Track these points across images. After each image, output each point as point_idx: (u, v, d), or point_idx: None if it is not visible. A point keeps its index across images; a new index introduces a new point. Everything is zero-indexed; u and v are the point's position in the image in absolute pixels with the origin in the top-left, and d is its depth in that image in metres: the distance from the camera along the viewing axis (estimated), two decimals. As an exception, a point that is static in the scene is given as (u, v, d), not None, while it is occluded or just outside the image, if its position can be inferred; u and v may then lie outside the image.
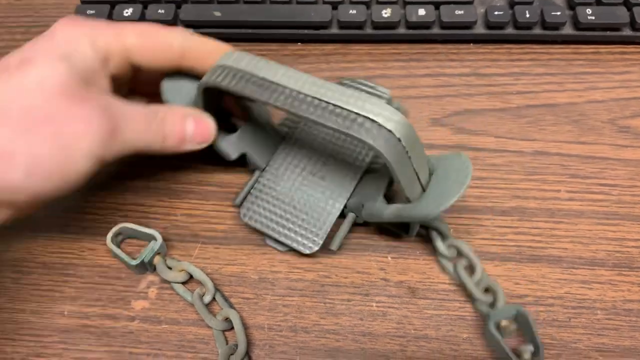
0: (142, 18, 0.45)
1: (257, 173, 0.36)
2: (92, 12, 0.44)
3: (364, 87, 0.38)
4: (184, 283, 0.33)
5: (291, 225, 0.34)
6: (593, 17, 0.43)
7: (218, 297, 0.33)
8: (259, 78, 0.30)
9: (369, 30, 0.44)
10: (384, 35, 0.44)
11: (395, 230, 0.35)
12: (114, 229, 0.34)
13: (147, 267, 0.33)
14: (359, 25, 0.44)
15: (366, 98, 0.29)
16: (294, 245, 0.33)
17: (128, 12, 0.44)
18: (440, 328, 0.32)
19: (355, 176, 0.35)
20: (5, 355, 0.32)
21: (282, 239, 0.33)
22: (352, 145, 0.36)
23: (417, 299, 0.33)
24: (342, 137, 0.37)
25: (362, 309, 0.33)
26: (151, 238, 0.34)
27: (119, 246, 0.34)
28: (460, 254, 0.33)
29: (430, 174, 0.32)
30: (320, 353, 0.31)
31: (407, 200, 0.31)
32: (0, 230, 0.29)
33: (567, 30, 0.43)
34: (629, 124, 0.40)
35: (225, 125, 0.35)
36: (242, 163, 0.36)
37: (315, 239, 0.33)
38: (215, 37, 0.43)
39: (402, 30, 0.44)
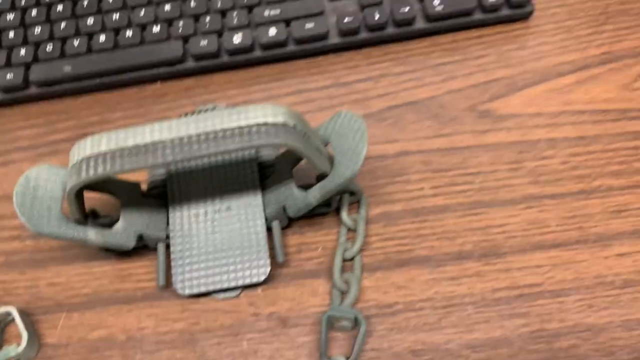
0: (-9, 86, 0.43)
1: (161, 246, 0.34)
2: (-62, 89, 0.43)
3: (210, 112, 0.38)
4: None
5: (231, 267, 0.33)
6: (442, 7, 0.43)
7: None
8: (131, 147, 0.29)
9: (225, 58, 0.44)
10: (241, 60, 0.44)
11: (317, 212, 0.35)
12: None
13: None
14: (214, 55, 0.43)
15: (242, 109, 0.29)
16: (247, 281, 0.33)
17: (-24, 82, 0.43)
18: (313, 354, 0.31)
19: (256, 188, 0.35)
20: None
21: (232, 284, 0.33)
22: (233, 165, 0.35)
23: (288, 328, 0.32)
24: (218, 164, 0.36)
25: (233, 350, 0.32)
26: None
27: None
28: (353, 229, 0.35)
29: (325, 144, 0.33)
30: (191, 405, 0.30)
31: (323, 176, 0.32)
32: None
33: (420, 24, 0.43)
34: (488, 107, 0.40)
35: (99, 222, 0.34)
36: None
37: (261, 262, 0.33)
38: (70, 91, 0.43)
39: (258, 52, 0.44)
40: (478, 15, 0.43)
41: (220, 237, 0.33)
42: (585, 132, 0.38)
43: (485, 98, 0.40)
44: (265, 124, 0.29)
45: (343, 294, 0.33)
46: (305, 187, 0.34)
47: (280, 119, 0.29)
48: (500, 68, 0.41)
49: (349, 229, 0.35)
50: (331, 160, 0.32)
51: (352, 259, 0.34)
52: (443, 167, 0.37)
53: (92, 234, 0.32)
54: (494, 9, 0.43)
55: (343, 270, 0.33)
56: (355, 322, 0.31)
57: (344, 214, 0.34)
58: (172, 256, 0.33)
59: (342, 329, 0.31)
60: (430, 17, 0.43)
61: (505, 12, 0.43)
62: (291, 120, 0.29)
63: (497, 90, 0.40)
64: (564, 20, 0.43)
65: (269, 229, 0.34)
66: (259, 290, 0.34)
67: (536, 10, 0.44)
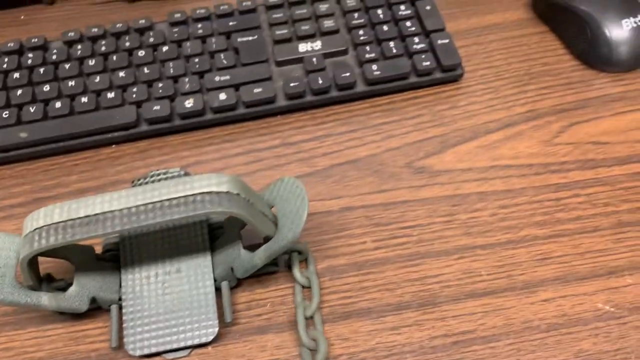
0: (-54, 154, 0.44)
1: (114, 307, 0.35)
2: None
3: (162, 176, 0.39)
4: None
5: (181, 328, 0.34)
6: (379, 72, 0.46)
7: None
8: (82, 218, 0.31)
9: (177, 122, 0.46)
10: (193, 123, 0.46)
11: (266, 271, 0.37)
12: None
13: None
14: (167, 119, 0.46)
15: (188, 180, 0.31)
16: (195, 341, 0.34)
17: None
18: (261, 408, 0.33)
19: (205, 250, 0.36)
20: None
21: (181, 344, 0.34)
22: (183, 227, 0.37)
23: (238, 383, 0.34)
24: (169, 227, 0.37)
25: (184, 407, 0.33)
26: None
27: None
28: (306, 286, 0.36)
29: (270, 207, 0.35)
30: None
31: (268, 239, 0.34)
32: None
33: (361, 87, 0.47)
34: (423, 164, 0.43)
35: (54, 285, 0.36)
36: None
37: (209, 323, 0.34)
38: (26, 157, 0.44)
39: (209, 115, 0.46)
40: (413, 79, 0.47)
41: (170, 299, 0.35)
42: (512, 186, 0.41)
43: (420, 155, 0.43)
44: (210, 193, 0.31)
45: (312, 351, 0.34)
46: (254, 247, 0.36)
47: (223, 187, 0.31)
48: (434, 127, 0.45)
49: (303, 287, 0.36)
50: (276, 223, 0.34)
51: (311, 316, 0.35)
52: (384, 221, 0.40)
53: (46, 300, 0.33)
54: (427, 72, 0.47)
55: (307, 328, 0.35)
56: None
57: (297, 273, 0.36)
58: (124, 318, 0.35)
59: None
60: (369, 81, 0.46)
61: (437, 75, 0.47)
62: (234, 188, 0.32)
63: (432, 148, 0.44)
64: (492, 81, 0.48)
65: (219, 289, 0.36)
66: (210, 347, 0.35)
67: (466, 72, 0.48)
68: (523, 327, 0.35)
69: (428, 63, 0.46)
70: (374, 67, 0.46)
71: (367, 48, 0.48)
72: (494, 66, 0.49)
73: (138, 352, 0.34)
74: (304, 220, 0.33)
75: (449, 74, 0.47)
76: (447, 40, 0.48)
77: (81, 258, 0.36)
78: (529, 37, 0.50)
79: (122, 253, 0.37)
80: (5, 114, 0.46)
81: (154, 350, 0.34)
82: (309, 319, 0.35)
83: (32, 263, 0.33)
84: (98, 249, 0.38)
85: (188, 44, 0.49)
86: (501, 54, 0.49)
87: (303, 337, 0.34)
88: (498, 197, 0.40)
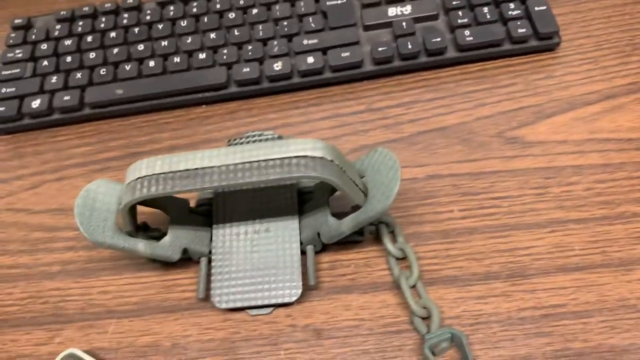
0: (50, 107, 0.47)
1: (203, 260, 0.37)
2: (2, 108, 0.47)
3: (257, 138, 0.40)
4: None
5: (266, 286, 0.35)
6: (472, 38, 0.45)
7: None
8: (182, 171, 0.32)
9: (266, 84, 0.46)
10: (281, 86, 0.47)
11: (351, 239, 0.37)
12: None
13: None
14: (256, 81, 0.46)
15: (284, 142, 0.32)
16: (279, 300, 0.35)
17: (36, 103, 0.47)
18: (345, 365, 0.33)
19: (294, 213, 0.37)
20: None
21: (265, 302, 0.35)
22: (274, 189, 0.38)
23: (323, 339, 0.34)
24: (261, 188, 0.38)
25: (271, 359, 0.34)
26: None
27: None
28: (404, 256, 0.36)
29: (361, 177, 0.35)
30: (232, 409, 0.32)
31: (356, 208, 0.34)
32: None
33: (451, 53, 0.46)
34: (516, 134, 0.41)
35: (149, 234, 0.37)
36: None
37: (293, 284, 0.35)
38: (121, 113, 0.46)
39: (296, 79, 0.46)
40: (507, 46, 0.45)
41: (257, 257, 0.36)
42: (610, 160, 0.39)
43: (513, 125, 0.42)
44: (305, 157, 0.31)
45: (425, 319, 0.34)
46: (340, 215, 0.36)
47: (319, 153, 0.31)
48: (528, 96, 0.43)
49: (397, 258, 0.36)
50: (366, 193, 0.34)
51: (414, 286, 0.35)
52: (472, 191, 0.39)
53: (142, 246, 0.35)
54: (522, 40, 0.45)
55: (413, 298, 0.34)
56: (452, 339, 0.32)
57: (390, 246, 0.36)
58: (212, 271, 0.36)
59: (440, 352, 0.32)
60: (460, 47, 0.45)
61: (533, 43, 0.45)
62: (329, 155, 0.32)
63: (525, 118, 0.42)
64: (591, 51, 0.45)
65: (304, 252, 0.36)
66: (295, 304, 0.36)
67: (563, 41, 0.46)
68: (618, 305, 0.33)
69: (523, 30, 0.44)
70: (466, 32, 0.45)
71: (460, 13, 0.46)
72: (593, 35, 0.46)
73: (224, 305, 0.35)
74: (395, 193, 0.32)
75: (545, 42, 0.45)
76: (544, 7, 0.45)
77: (176, 210, 0.37)
78: (632, 5, 0.47)
79: (215, 209, 0.38)
80: (103, 71, 0.47)
81: (238, 304, 0.35)
82: (412, 288, 0.35)
83: (131, 211, 0.35)
84: (192, 203, 0.39)
85: (277, 6, 0.49)
86: (601, 23, 0.47)
87: (413, 306, 0.33)
88: (595, 171, 0.39)
